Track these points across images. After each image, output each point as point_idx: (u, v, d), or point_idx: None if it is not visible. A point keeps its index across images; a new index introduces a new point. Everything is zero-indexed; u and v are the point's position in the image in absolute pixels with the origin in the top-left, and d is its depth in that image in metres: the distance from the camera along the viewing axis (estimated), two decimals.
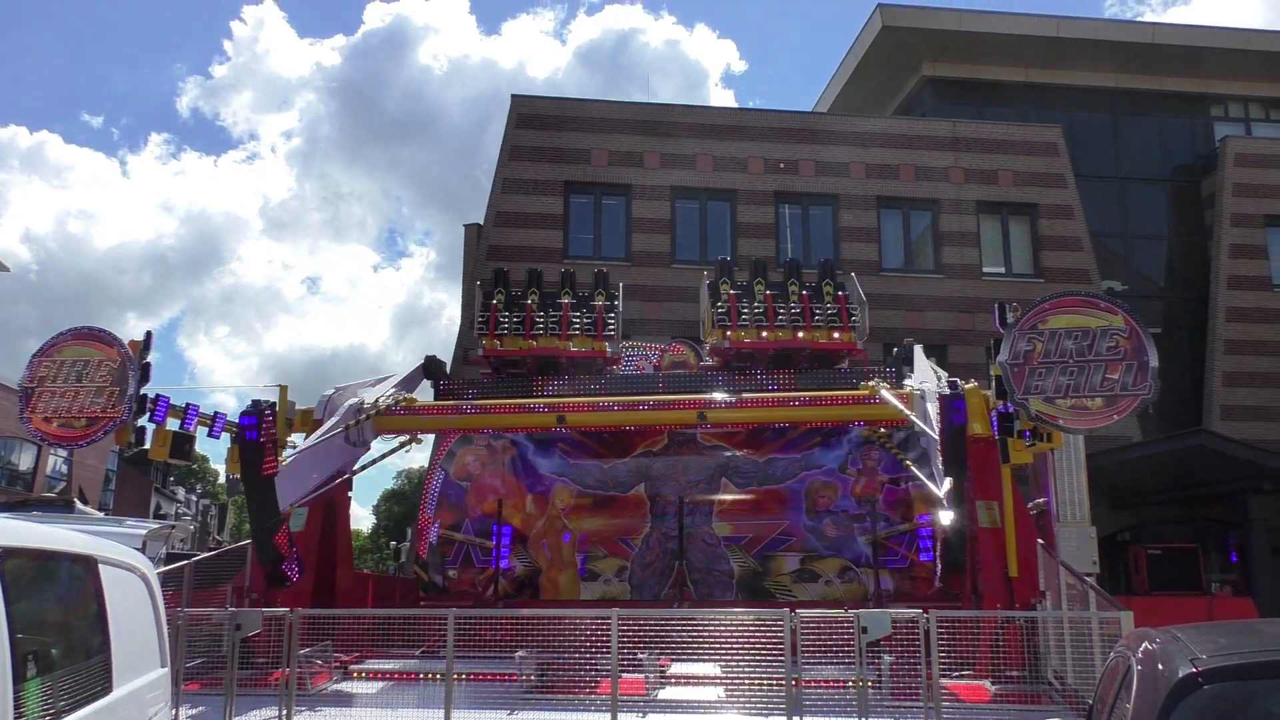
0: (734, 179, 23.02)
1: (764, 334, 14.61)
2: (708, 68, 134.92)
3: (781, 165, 23.11)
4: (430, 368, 15.84)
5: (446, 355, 20.03)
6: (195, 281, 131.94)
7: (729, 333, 14.57)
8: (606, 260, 22.39)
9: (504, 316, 15.03)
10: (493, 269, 15.85)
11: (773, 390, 14.25)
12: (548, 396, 14.56)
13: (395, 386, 14.57)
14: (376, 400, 13.79)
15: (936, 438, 11.06)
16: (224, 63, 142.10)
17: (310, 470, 12.75)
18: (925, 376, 13.01)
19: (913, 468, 14.53)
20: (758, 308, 14.74)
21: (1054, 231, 23.44)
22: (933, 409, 11.83)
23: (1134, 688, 3.51)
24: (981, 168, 23.60)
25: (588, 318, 15.22)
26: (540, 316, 15.09)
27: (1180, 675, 3.14)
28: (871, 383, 13.54)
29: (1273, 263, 23.94)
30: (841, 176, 23.23)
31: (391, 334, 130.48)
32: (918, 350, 14.51)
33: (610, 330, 15.24)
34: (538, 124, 23.04)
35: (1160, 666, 3.36)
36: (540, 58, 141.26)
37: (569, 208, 22.76)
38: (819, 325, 14.69)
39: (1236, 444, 18.17)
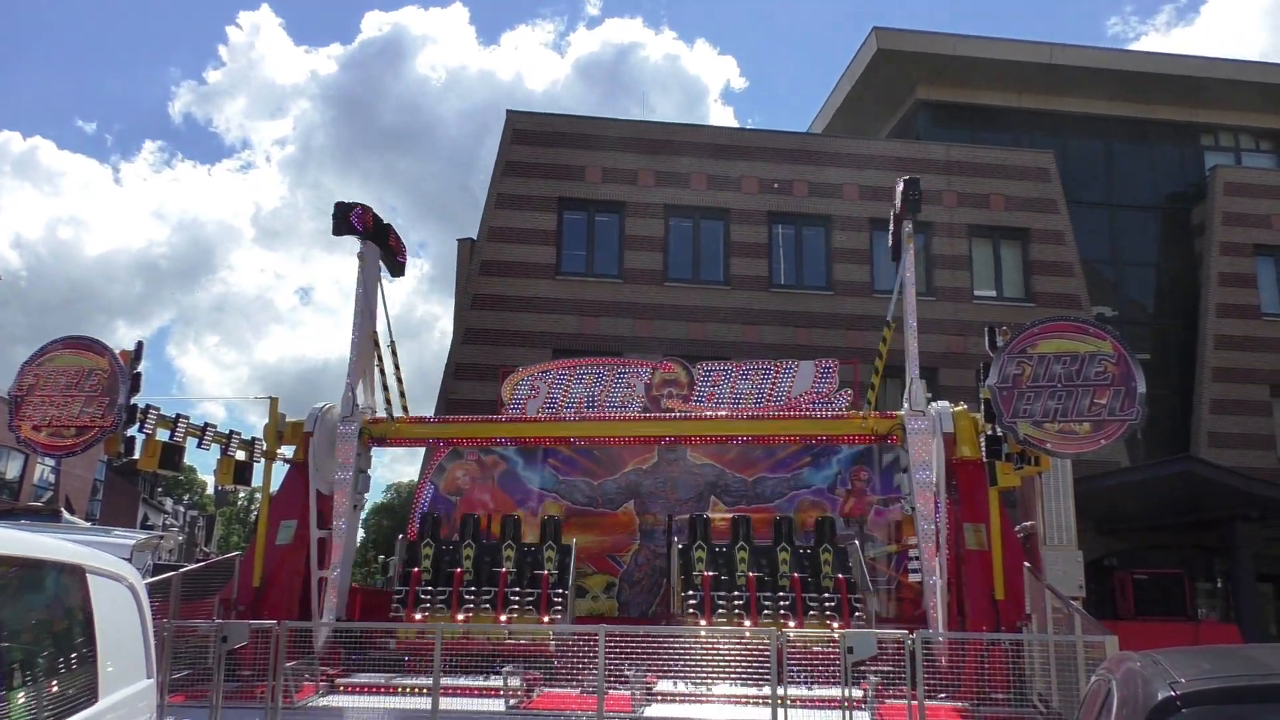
0: (728, 198, 23.14)
1: (746, 634, 11.62)
2: (708, 84, 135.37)
3: (775, 185, 23.24)
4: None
5: (438, 367, 20.06)
6: (186, 290, 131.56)
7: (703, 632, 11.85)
8: (599, 277, 22.47)
9: (425, 592, 12.79)
10: (424, 517, 14.16)
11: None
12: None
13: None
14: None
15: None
16: (218, 68, 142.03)
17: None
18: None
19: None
20: (738, 598, 12.60)
21: (1045, 256, 23.59)
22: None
23: (1114, 710, 3.55)
24: (974, 192, 23.75)
25: (530, 589, 12.83)
26: (470, 594, 12.74)
27: (1159, 698, 3.17)
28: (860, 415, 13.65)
29: (1261, 292, 24.11)
30: (835, 198, 23.37)
31: (385, 345, 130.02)
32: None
33: (558, 606, 12.76)
34: (532, 140, 23.14)
35: (1140, 689, 3.40)
36: (538, 70, 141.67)
37: (562, 224, 22.84)
38: (813, 618, 12.33)
39: (1224, 471, 18.26)
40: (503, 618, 12.45)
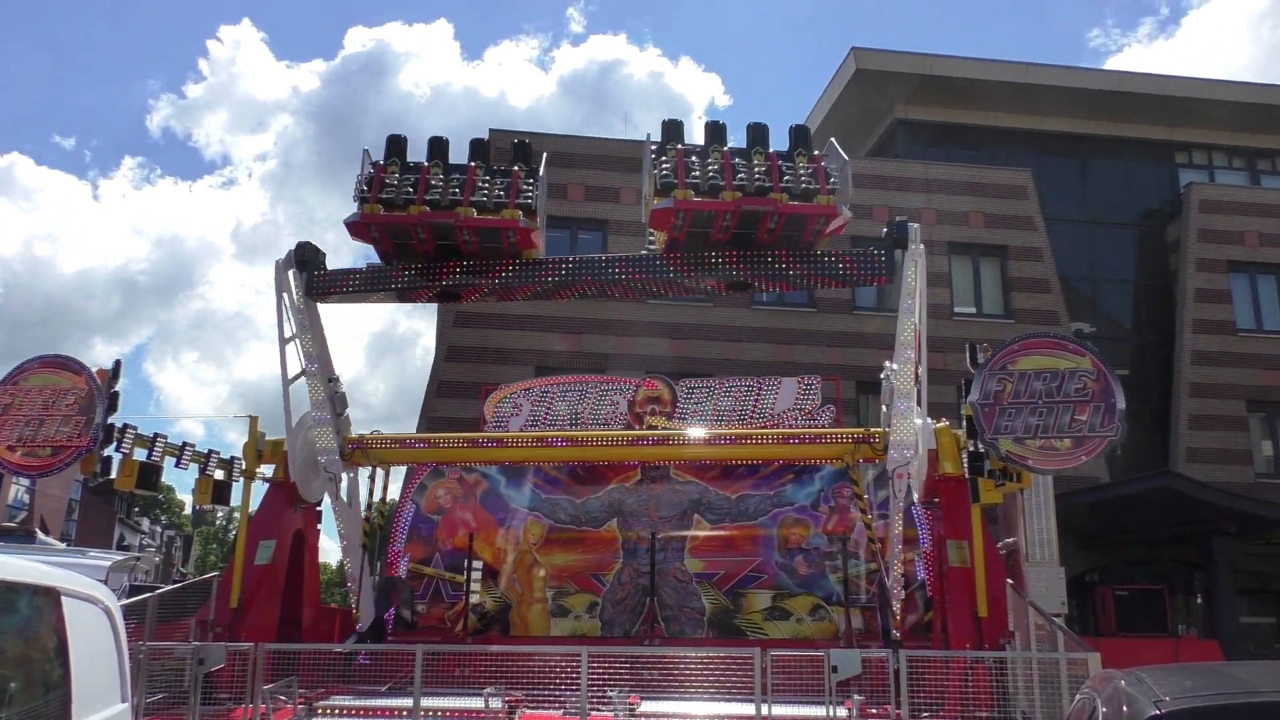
0: None
1: (724, 195, 11.12)
2: (692, 101, 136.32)
3: None
4: (302, 256, 12.88)
5: (420, 384, 19.95)
6: (165, 306, 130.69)
7: (675, 192, 11.13)
8: (584, 297, 22.44)
9: (392, 179, 11.85)
10: (388, 136, 12.49)
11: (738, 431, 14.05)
12: (439, 283, 12.32)
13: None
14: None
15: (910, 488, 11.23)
16: (199, 82, 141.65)
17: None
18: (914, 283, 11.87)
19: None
20: (712, 165, 11.29)
21: (1023, 273, 23.79)
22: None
23: None
24: (953, 209, 23.94)
25: (501, 184, 12.00)
26: (438, 181, 11.84)
27: (1145, 717, 3.17)
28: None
29: (1236, 308, 24.37)
30: None
31: (366, 362, 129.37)
32: (913, 229, 12.09)
33: (528, 198, 11.97)
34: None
35: (1125, 708, 3.39)
36: (523, 87, 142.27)
37: (545, 242, 22.80)
38: (789, 187, 11.24)
39: (1202, 486, 18.40)
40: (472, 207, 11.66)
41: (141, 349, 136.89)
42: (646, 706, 10.17)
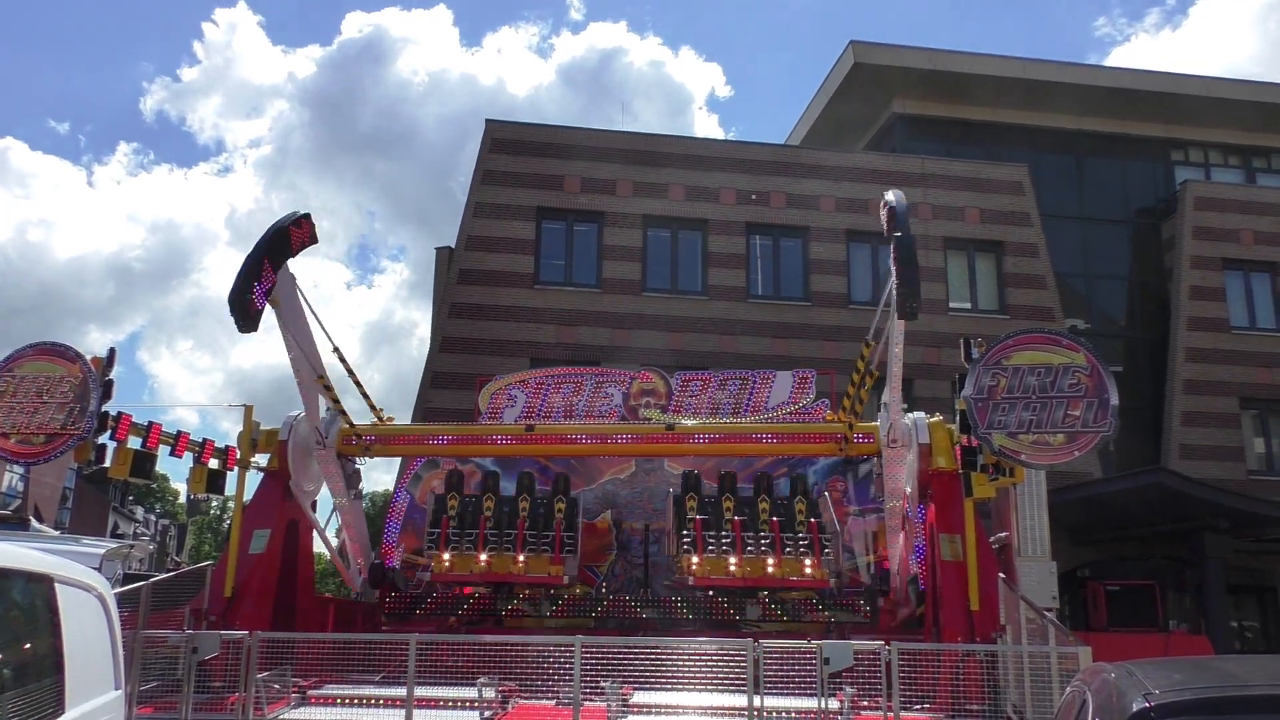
0: (706, 209, 23.21)
1: (731, 568, 14.04)
2: (692, 91, 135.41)
3: (753, 197, 23.33)
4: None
5: (415, 375, 19.93)
6: (159, 293, 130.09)
7: (694, 566, 14.03)
8: (578, 287, 22.47)
9: (455, 534, 14.70)
10: (446, 472, 15.96)
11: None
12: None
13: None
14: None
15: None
16: (193, 66, 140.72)
17: None
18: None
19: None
20: (725, 537, 14.32)
21: (1019, 269, 23.81)
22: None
23: None
24: (949, 204, 23.94)
25: (545, 535, 14.77)
26: (493, 534, 14.64)
27: (1134, 709, 3.19)
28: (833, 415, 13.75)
29: (1230, 305, 24.44)
30: (812, 209, 23.48)
31: (362, 352, 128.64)
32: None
33: (569, 548, 14.84)
34: (511, 149, 23.13)
35: (1114, 700, 3.41)
36: (521, 74, 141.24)
37: (541, 234, 22.82)
38: (789, 556, 14.04)
39: (1194, 483, 18.46)
40: (520, 557, 14.29)
41: (136, 336, 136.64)
42: (639, 697, 10.21)
